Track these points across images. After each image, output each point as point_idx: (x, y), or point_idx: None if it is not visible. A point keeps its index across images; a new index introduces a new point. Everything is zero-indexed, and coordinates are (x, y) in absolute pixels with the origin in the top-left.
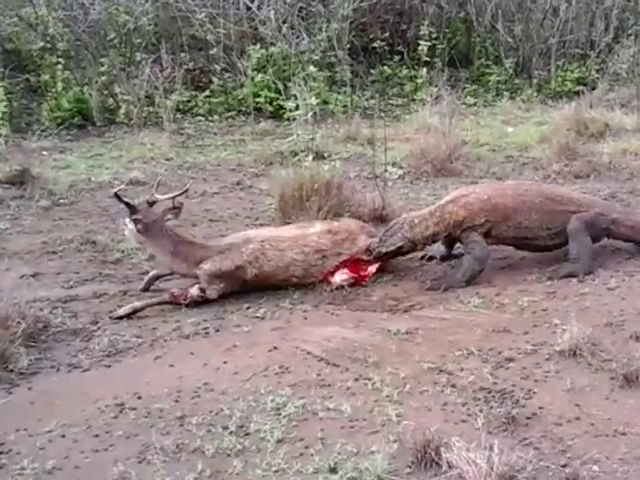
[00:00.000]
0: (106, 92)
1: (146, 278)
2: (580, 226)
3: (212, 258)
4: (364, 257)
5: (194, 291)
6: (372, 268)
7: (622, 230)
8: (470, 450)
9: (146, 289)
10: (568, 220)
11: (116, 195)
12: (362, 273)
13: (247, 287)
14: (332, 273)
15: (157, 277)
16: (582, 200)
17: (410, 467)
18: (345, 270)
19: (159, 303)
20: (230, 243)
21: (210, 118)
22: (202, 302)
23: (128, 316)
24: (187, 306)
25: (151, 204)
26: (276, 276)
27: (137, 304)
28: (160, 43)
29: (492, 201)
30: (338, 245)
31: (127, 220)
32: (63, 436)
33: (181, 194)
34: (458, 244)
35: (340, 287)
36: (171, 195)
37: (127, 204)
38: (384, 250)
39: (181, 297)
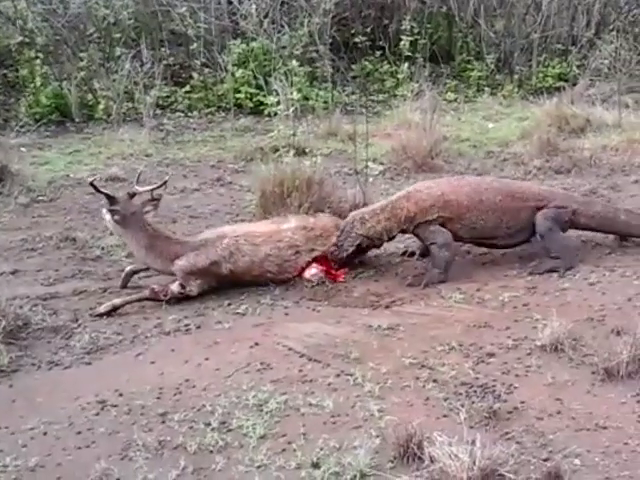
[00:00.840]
0: (85, 88)
1: (123, 274)
2: (549, 224)
3: (187, 254)
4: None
5: (174, 287)
6: (342, 270)
7: (582, 220)
8: (452, 444)
9: (124, 286)
10: (529, 217)
11: (92, 185)
12: (333, 271)
13: (224, 283)
14: (304, 269)
15: (134, 272)
16: (542, 193)
17: (392, 462)
18: (314, 265)
19: (139, 299)
20: (204, 239)
21: (190, 114)
22: (183, 298)
23: (109, 313)
24: (168, 302)
25: (131, 196)
26: (251, 271)
27: (117, 301)
28: (140, 38)
29: (445, 197)
30: (312, 241)
31: (105, 210)
32: (45, 433)
33: (161, 186)
34: None
35: (321, 283)
36: (151, 187)
37: (106, 195)
38: (344, 254)
39: (161, 293)
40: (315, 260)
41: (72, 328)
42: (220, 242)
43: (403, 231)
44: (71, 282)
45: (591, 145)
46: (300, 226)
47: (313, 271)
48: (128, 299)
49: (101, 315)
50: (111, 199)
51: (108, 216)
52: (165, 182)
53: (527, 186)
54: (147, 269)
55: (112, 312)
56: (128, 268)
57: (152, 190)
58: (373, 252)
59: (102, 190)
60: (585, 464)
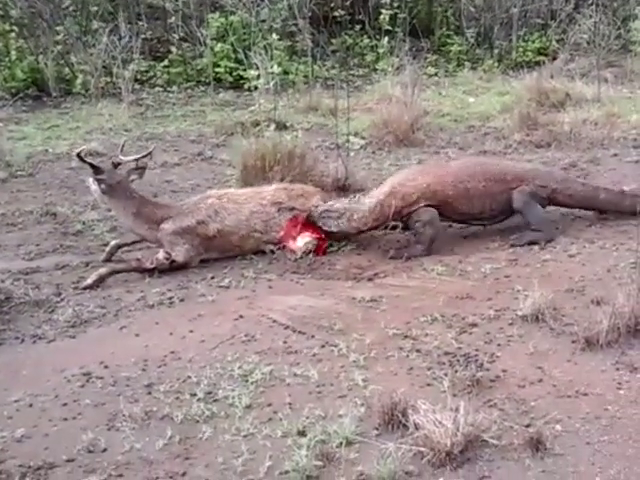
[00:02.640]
0: (62, 62)
1: (107, 248)
2: (526, 199)
3: (172, 218)
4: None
5: (160, 255)
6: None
7: (561, 199)
8: (436, 412)
9: (108, 259)
10: (511, 196)
11: (78, 156)
12: (321, 234)
13: (212, 250)
14: (292, 237)
15: (119, 246)
16: (524, 173)
17: (377, 429)
18: (305, 232)
19: (125, 269)
20: (189, 202)
21: (169, 89)
22: (169, 269)
23: (97, 285)
24: (153, 272)
25: (116, 165)
26: (239, 230)
27: (102, 270)
28: (117, 11)
29: (431, 188)
30: (293, 199)
31: (91, 180)
32: (31, 405)
33: (145, 156)
34: None
35: (305, 254)
36: (135, 157)
37: (91, 164)
38: (320, 223)
39: (148, 262)
40: (301, 226)
41: (55, 302)
42: (204, 202)
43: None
44: (52, 257)
45: (571, 119)
46: (281, 187)
47: (306, 239)
48: (115, 267)
49: (89, 287)
50: (96, 169)
51: (94, 186)
52: (150, 152)
53: (509, 167)
54: (132, 243)
55: (99, 283)
56: (113, 242)
57: (137, 159)
58: None
59: (87, 160)
60: (566, 430)
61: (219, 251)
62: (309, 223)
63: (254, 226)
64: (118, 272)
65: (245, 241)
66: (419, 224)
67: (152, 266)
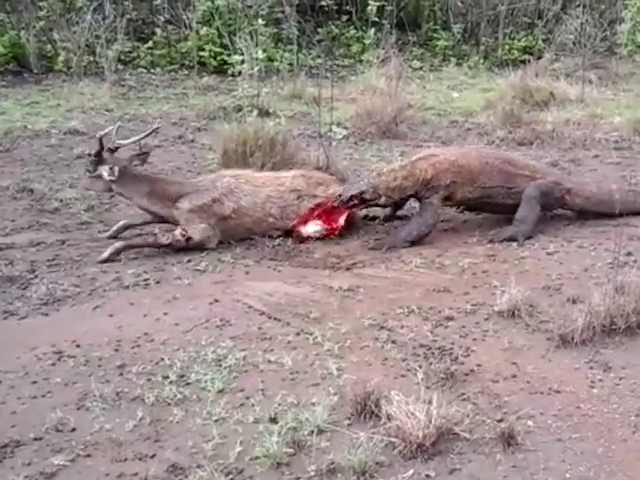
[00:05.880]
0: (44, 38)
1: (115, 227)
2: (535, 193)
3: (188, 195)
4: (334, 203)
5: (177, 231)
6: (341, 220)
7: (577, 201)
8: (409, 403)
9: (113, 237)
10: (523, 183)
11: (100, 140)
12: (333, 225)
13: (227, 231)
14: (305, 222)
15: (126, 227)
16: (537, 167)
17: (350, 419)
18: (318, 221)
19: (141, 245)
20: (204, 179)
21: (152, 70)
22: (186, 248)
23: (112, 259)
24: (168, 247)
25: (114, 150)
26: (254, 213)
27: (118, 244)
28: None
29: (458, 162)
30: (312, 187)
31: (106, 167)
32: None
33: (145, 137)
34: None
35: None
36: (135, 139)
37: (98, 153)
38: (348, 194)
39: (164, 237)
40: (317, 212)
41: (28, 279)
42: (220, 181)
43: (415, 195)
44: (28, 233)
45: (554, 119)
46: (299, 174)
47: (317, 227)
48: (132, 242)
49: (105, 260)
50: (100, 157)
51: (106, 173)
52: (151, 133)
53: (521, 157)
54: (141, 224)
55: (115, 257)
56: (121, 222)
57: (137, 141)
58: None
59: (109, 145)
60: (538, 426)
61: (233, 233)
62: (329, 212)
63: (269, 210)
64: (134, 247)
65: (258, 225)
66: (420, 219)
67: (168, 242)
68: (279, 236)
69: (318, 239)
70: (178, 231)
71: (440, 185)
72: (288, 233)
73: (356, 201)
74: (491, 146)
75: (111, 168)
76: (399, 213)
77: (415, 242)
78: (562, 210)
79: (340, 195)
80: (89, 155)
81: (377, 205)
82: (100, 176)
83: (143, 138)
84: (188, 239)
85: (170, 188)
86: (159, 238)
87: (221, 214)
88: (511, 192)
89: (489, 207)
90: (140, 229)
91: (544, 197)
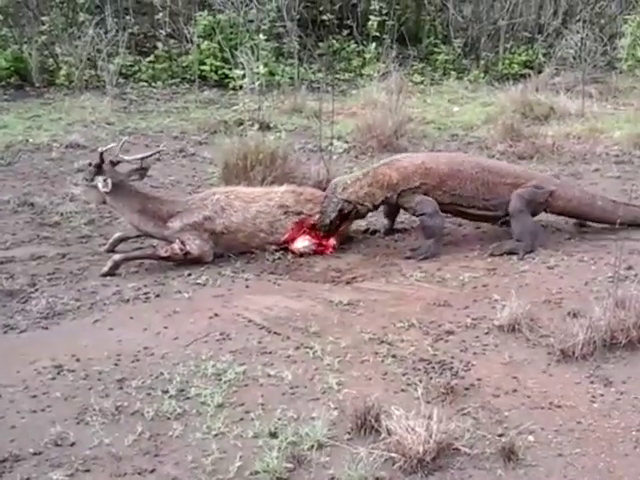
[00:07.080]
0: (46, 52)
1: (110, 240)
2: (521, 206)
3: (179, 214)
4: (321, 235)
5: (175, 245)
6: (332, 240)
7: (560, 203)
8: (409, 418)
9: (110, 250)
10: (507, 193)
11: (101, 155)
12: (325, 242)
13: (221, 246)
14: (294, 238)
15: (122, 239)
16: (520, 173)
17: (349, 433)
18: (307, 237)
19: (139, 257)
20: (195, 197)
21: (153, 84)
22: (184, 261)
23: (112, 272)
24: (167, 260)
25: (114, 164)
26: (246, 228)
27: (117, 257)
28: (104, 5)
29: (426, 165)
30: (300, 204)
31: (101, 178)
32: None
33: (151, 156)
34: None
35: (312, 253)
36: (140, 156)
37: (97, 165)
38: (327, 220)
39: (162, 250)
40: (305, 230)
41: (29, 292)
42: (211, 198)
43: (387, 201)
44: (28, 247)
45: (554, 133)
46: (289, 190)
47: (306, 243)
48: (130, 255)
49: (106, 274)
50: (99, 168)
51: (101, 184)
52: (156, 153)
53: (505, 165)
54: (137, 237)
55: (115, 270)
56: (116, 235)
57: (141, 159)
58: None
59: (110, 159)
60: (539, 441)
61: (228, 248)
62: (314, 228)
63: (259, 225)
64: (132, 259)
65: (251, 239)
66: (425, 217)
67: (166, 255)
68: (277, 250)
69: (317, 253)
70: (177, 245)
71: (411, 188)
72: (286, 247)
73: (337, 222)
74: (483, 156)
75: (105, 180)
76: (398, 226)
77: (440, 239)
78: (545, 214)
79: (320, 223)
80: (89, 164)
81: (357, 216)
82: (95, 186)
83: (147, 157)
84: (186, 253)
85: (162, 207)
86: (158, 250)
87: (213, 230)
88: (490, 204)
89: (468, 216)
90: (141, 242)
91: (529, 205)
